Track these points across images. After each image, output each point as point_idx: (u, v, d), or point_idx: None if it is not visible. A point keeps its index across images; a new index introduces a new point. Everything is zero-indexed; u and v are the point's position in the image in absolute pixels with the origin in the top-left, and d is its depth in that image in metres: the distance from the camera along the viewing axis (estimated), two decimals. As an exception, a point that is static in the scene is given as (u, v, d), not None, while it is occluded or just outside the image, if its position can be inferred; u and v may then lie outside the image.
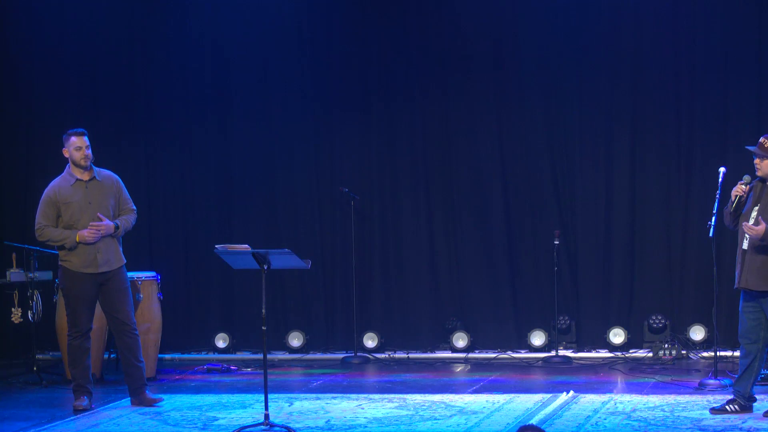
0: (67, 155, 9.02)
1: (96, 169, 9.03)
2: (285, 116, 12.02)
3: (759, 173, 8.10)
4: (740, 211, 8.17)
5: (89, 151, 8.96)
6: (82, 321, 8.86)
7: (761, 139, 8.08)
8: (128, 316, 8.96)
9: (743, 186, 8.15)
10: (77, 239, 8.77)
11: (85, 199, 8.88)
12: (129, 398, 9.15)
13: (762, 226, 7.80)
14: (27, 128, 12.21)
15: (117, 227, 8.90)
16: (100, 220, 8.82)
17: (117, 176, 9.14)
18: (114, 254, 8.91)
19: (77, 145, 8.95)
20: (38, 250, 10.47)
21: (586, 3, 11.50)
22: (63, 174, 9.02)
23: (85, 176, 8.95)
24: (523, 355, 11.49)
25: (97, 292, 8.89)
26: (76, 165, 8.96)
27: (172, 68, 12.08)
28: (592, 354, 11.41)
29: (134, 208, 9.15)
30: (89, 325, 8.92)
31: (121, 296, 8.93)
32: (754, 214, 8.05)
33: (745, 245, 8.03)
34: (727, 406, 8.13)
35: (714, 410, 8.16)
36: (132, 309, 9.04)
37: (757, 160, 8.09)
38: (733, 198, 8.16)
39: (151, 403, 8.93)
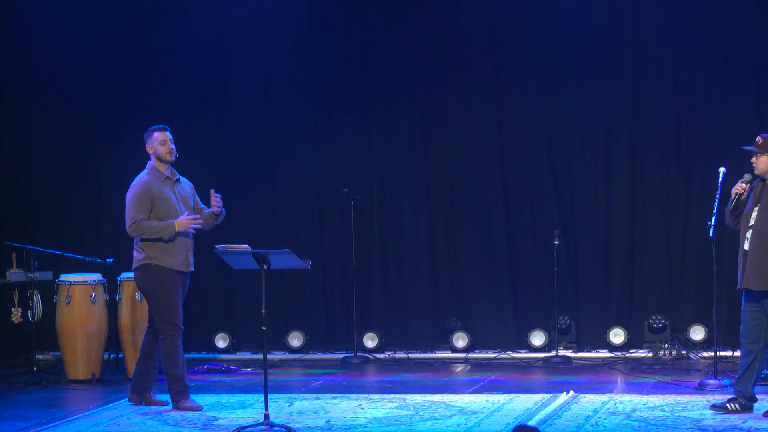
0: (150, 151, 8.83)
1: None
2: (285, 116, 12.02)
3: (756, 171, 8.13)
4: (740, 209, 8.18)
5: (173, 146, 8.82)
6: (180, 317, 8.69)
7: (758, 138, 8.11)
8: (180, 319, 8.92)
9: (743, 184, 8.17)
10: (176, 228, 8.62)
11: (175, 197, 8.79)
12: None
13: None
14: (27, 128, 12.21)
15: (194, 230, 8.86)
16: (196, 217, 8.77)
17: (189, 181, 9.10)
18: (193, 257, 8.85)
19: (161, 140, 8.79)
20: (38, 250, 10.47)
21: (586, 3, 11.51)
22: (147, 171, 8.83)
23: (172, 175, 8.83)
24: (523, 355, 11.49)
25: None
26: (161, 160, 8.79)
27: (172, 68, 12.08)
28: (592, 354, 11.41)
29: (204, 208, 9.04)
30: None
31: (185, 299, 8.88)
32: (754, 214, 8.06)
33: (746, 246, 8.04)
34: (728, 405, 8.14)
35: (715, 407, 8.18)
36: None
37: (753, 158, 8.11)
38: (733, 196, 8.18)
39: (159, 404, 8.88)
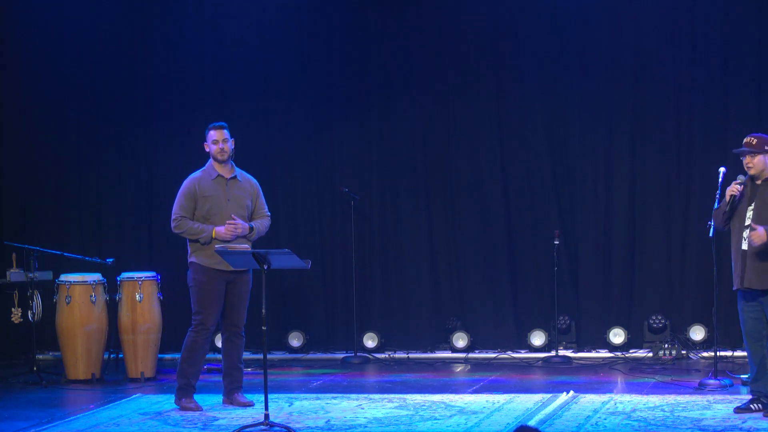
0: (207, 150, 8.89)
1: (238, 169, 8.92)
2: (285, 116, 12.02)
3: (752, 171, 8.10)
4: (734, 210, 8.15)
5: (224, 145, 8.79)
6: (208, 317, 8.78)
7: (747, 139, 8.10)
8: (242, 319, 8.92)
9: (739, 186, 8.13)
10: (213, 235, 8.66)
11: (224, 196, 8.78)
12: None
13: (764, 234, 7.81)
14: (27, 128, 12.21)
15: (251, 229, 8.77)
16: (233, 220, 8.70)
17: (256, 181, 9.03)
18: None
19: (214, 139, 8.81)
20: (38, 250, 10.47)
21: (586, 3, 11.51)
22: (204, 168, 8.90)
23: (227, 173, 8.84)
24: (523, 355, 11.49)
25: (225, 290, 8.80)
26: (214, 159, 8.83)
27: (173, 68, 12.08)
28: (592, 354, 11.41)
29: (269, 213, 9.00)
30: (214, 323, 8.84)
31: (241, 298, 8.88)
32: (749, 213, 8.04)
33: (744, 246, 8.02)
34: (751, 405, 8.14)
35: (738, 409, 8.16)
36: (246, 313, 8.96)
37: (747, 158, 8.08)
38: (727, 198, 8.14)
39: (244, 404, 8.88)
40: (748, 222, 8.03)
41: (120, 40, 12.15)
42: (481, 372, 10.71)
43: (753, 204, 8.06)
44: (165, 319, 10.71)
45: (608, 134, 11.58)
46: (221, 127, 8.85)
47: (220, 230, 8.68)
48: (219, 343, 11.76)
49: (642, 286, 11.54)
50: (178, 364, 8.93)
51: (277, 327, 11.79)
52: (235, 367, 8.96)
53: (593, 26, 11.53)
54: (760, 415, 8.04)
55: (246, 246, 8.53)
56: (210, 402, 9.09)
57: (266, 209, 9.01)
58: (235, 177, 8.88)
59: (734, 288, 8.15)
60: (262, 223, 8.92)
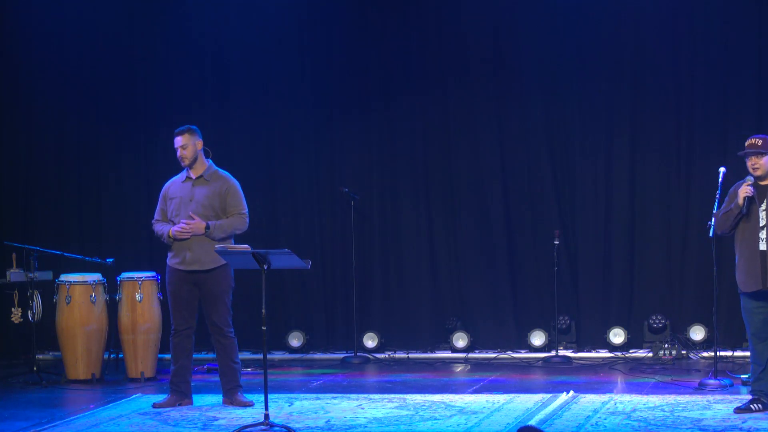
0: None
1: (213, 168, 8.91)
2: (285, 116, 12.03)
3: (758, 172, 8.07)
4: (748, 212, 8.10)
5: (181, 152, 8.84)
6: (176, 318, 8.82)
7: (751, 140, 8.07)
8: (220, 319, 8.82)
9: (750, 187, 8.09)
10: (170, 234, 8.72)
11: (187, 197, 8.81)
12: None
13: None
14: (27, 128, 12.22)
15: (208, 227, 8.69)
16: (192, 218, 8.70)
17: (233, 179, 8.94)
18: (207, 254, 8.66)
19: (175, 145, 8.91)
20: (38, 250, 10.47)
21: (586, 3, 11.51)
22: (183, 170, 9.00)
23: (194, 174, 8.88)
24: (523, 355, 11.49)
25: (194, 291, 8.79)
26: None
27: (172, 68, 12.09)
28: (592, 354, 11.41)
29: (243, 212, 8.88)
30: (186, 324, 8.83)
31: (212, 298, 8.79)
32: (762, 214, 8.01)
33: (762, 246, 7.97)
34: (751, 405, 8.11)
35: (738, 409, 8.13)
36: (227, 312, 8.85)
37: (754, 159, 8.04)
38: (740, 201, 8.03)
39: (243, 404, 8.86)
40: (763, 223, 8.00)
41: (120, 40, 12.15)
42: (481, 372, 10.71)
43: (764, 204, 8.03)
44: (165, 319, 10.67)
45: (608, 134, 11.58)
46: (178, 134, 8.91)
47: (174, 230, 8.73)
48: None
49: (642, 286, 11.54)
50: None
51: (277, 327, 11.79)
52: (228, 367, 8.94)
53: (593, 26, 11.54)
54: (760, 415, 8.04)
55: (246, 246, 8.52)
56: (210, 402, 9.09)
57: (241, 208, 8.88)
58: (201, 177, 8.87)
59: (751, 290, 8.03)
60: (230, 222, 8.80)
